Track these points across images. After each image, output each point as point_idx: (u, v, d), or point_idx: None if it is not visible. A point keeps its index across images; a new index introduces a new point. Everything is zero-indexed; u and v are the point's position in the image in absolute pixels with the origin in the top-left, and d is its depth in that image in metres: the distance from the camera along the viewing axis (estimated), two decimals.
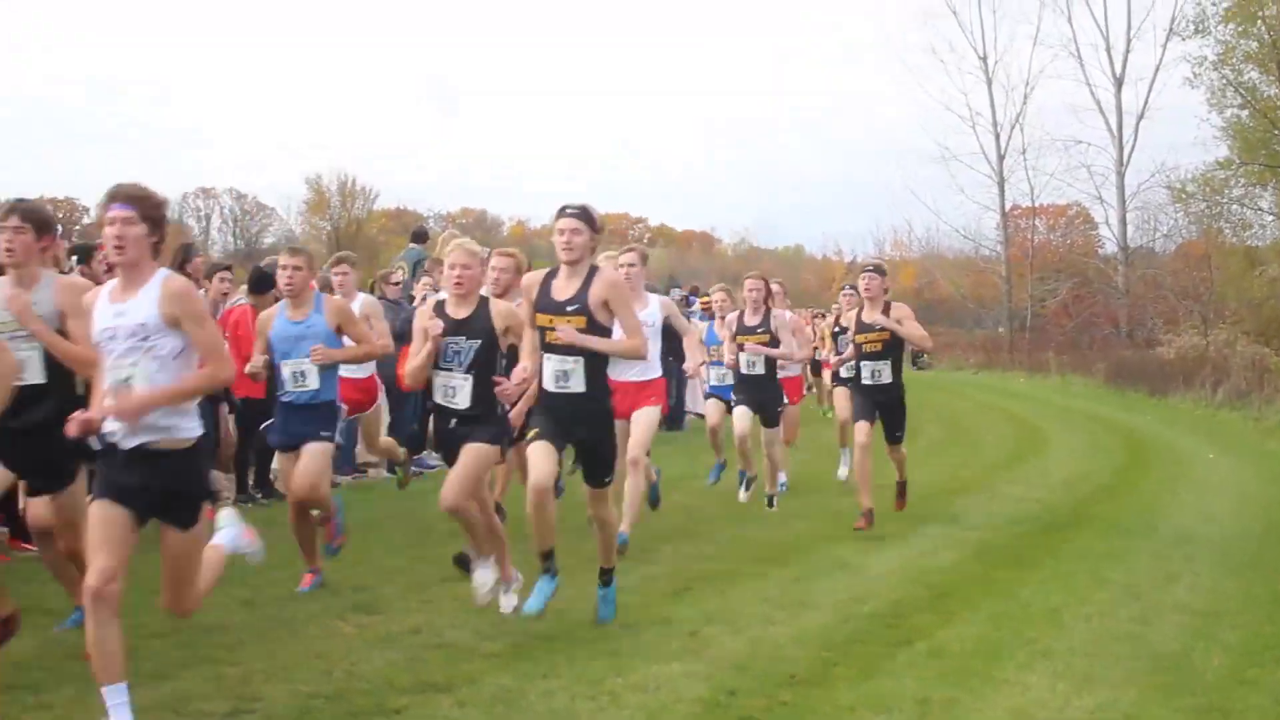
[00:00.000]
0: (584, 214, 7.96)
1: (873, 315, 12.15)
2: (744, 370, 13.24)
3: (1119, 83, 51.35)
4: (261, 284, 12.82)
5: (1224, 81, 39.52)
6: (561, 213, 7.98)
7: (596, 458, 8.35)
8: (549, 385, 8.02)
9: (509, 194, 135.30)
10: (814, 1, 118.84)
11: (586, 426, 8.14)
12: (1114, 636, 8.27)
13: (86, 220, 79.86)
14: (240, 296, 13.59)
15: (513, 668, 7.15)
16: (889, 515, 12.82)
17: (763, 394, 13.29)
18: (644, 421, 10.78)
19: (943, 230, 64.90)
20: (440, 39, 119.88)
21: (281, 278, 9.24)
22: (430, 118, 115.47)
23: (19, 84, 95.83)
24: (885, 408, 12.48)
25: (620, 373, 10.25)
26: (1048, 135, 55.66)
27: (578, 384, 7.96)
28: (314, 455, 9.05)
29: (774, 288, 14.14)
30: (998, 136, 55.74)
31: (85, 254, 11.41)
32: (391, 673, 7.01)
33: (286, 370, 9.14)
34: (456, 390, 8.26)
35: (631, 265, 10.89)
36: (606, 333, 8.02)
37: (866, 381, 12.38)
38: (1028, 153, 55.42)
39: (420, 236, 21.17)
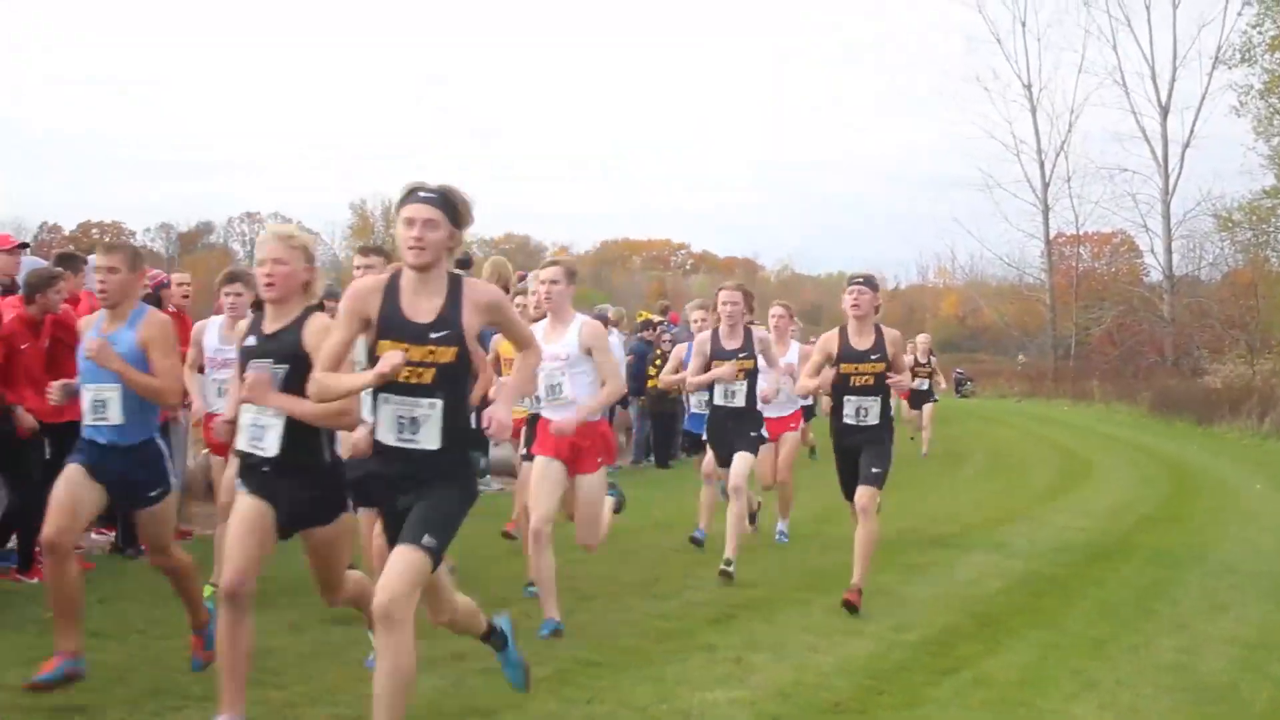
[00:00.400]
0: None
1: (865, 341, 9.88)
2: (719, 401, 11.16)
3: (1164, 111, 51.18)
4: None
5: (1270, 110, 39.37)
6: None
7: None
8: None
9: (551, 219, 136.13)
10: (857, 28, 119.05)
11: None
12: (1160, 667, 8.21)
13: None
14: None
15: (558, 693, 7.16)
16: (934, 543, 12.78)
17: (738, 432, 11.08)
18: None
19: (986, 258, 64.88)
20: (485, 68, 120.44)
21: (94, 281, 7.37)
22: (473, 143, 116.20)
23: (64, 112, 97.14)
24: (865, 444, 9.91)
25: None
26: (1092, 163, 55.67)
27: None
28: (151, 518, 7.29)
29: (774, 312, 13.31)
30: (1042, 164, 55.69)
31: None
32: (437, 698, 7.02)
33: (86, 396, 7.13)
34: (264, 432, 6.29)
35: (554, 282, 8.74)
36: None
37: (849, 420, 9.93)
38: (1072, 180, 55.37)
39: (465, 264, 21.19)
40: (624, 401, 19.62)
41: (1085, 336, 55.88)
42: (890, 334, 9.97)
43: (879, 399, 9.89)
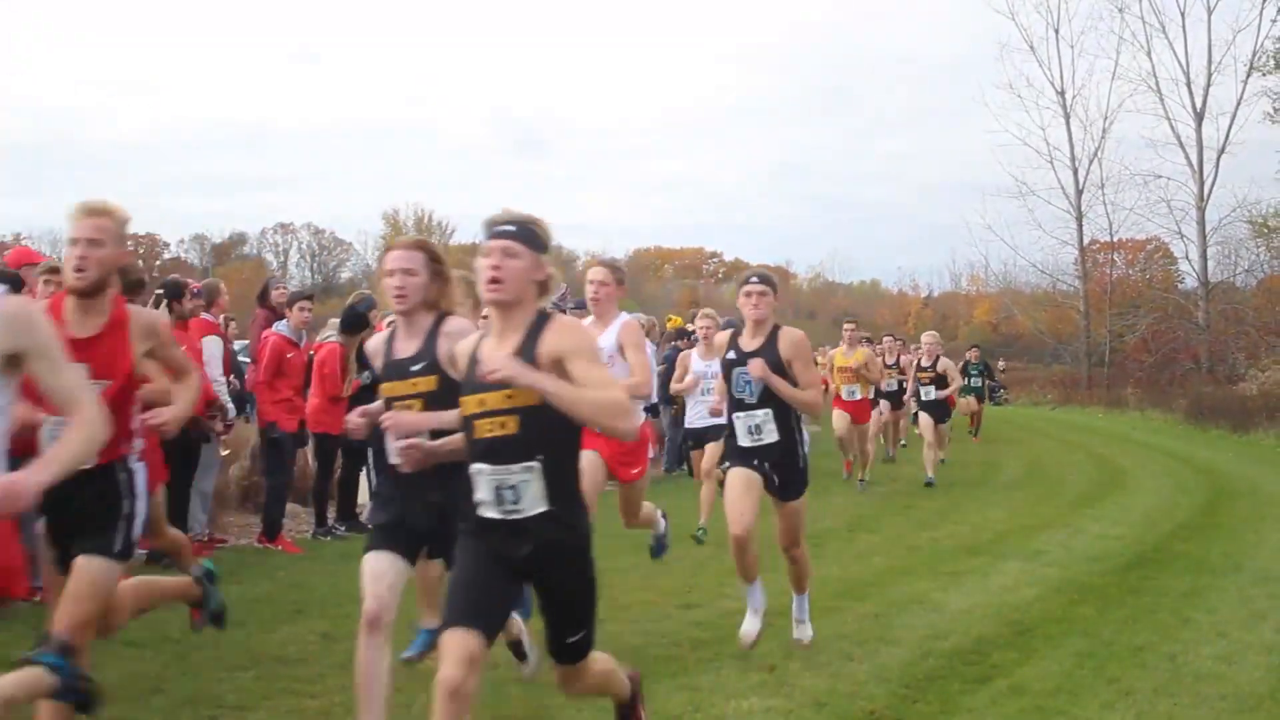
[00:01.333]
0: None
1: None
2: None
3: (1199, 117, 50.89)
4: (354, 323, 12.29)
5: None
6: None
7: None
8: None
9: (582, 230, 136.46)
10: (886, 38, 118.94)
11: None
12: (1198, 676, 8.17)
13: (167, 255, 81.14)
14: (330, 333, 13.61)
15: (591, 702, 7.12)
16: (969, 550, 12.75)
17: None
18: None
19: (1020, 265, 64.61)
20: (519, 78, 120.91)
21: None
22: (506, 152, 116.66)
23: (99, 125, 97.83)
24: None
25: None
26: (1126, 170, 55.30)
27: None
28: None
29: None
30: (1075, 171, 55.38)
31: (176, 291, 11.49)
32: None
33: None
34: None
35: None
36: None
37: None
38: (1106, 187, 55.05)
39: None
40: (654, 410, 19.65)
41: (1119, 344, 55.58)
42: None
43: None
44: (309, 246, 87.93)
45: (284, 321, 12.86)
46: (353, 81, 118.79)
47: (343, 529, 13.49)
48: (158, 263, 78.45)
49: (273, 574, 11.06)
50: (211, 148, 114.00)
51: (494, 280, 5.06)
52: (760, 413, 8.34)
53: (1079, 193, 55.31)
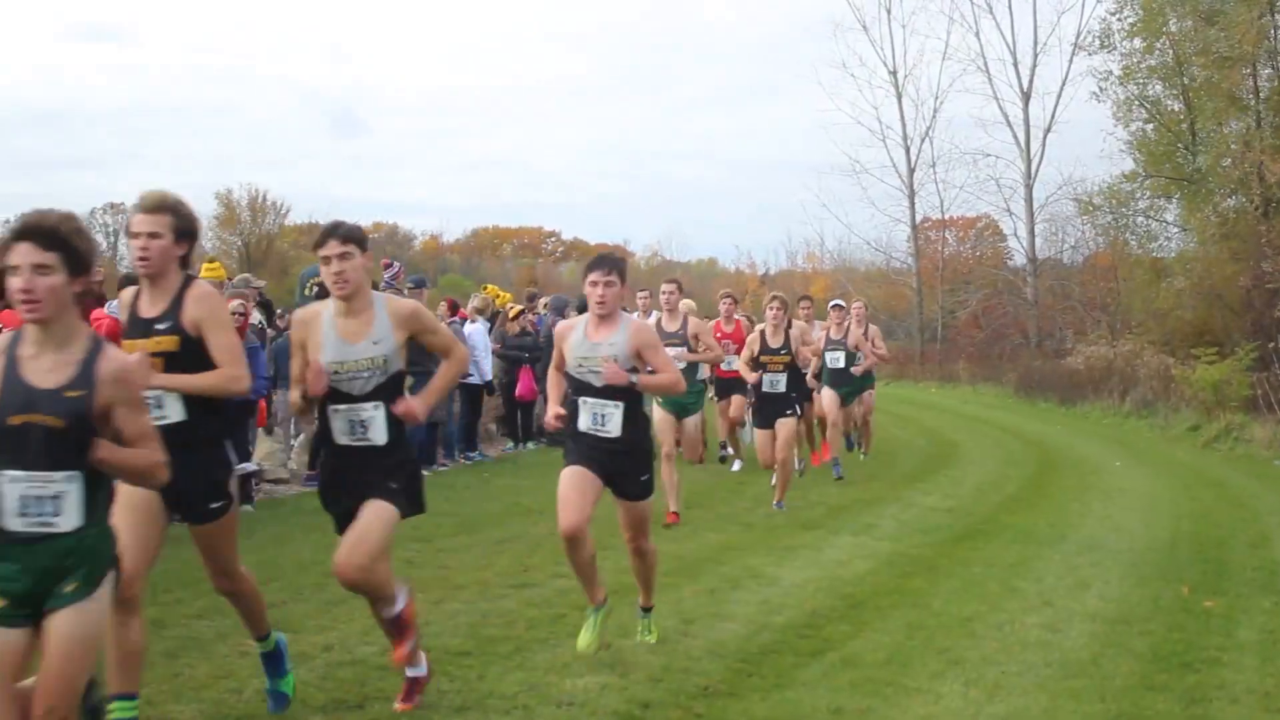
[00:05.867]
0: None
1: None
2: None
3: (1026, 97, 51.86)
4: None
5: (1129, 96, 40.13)
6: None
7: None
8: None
9: (419, 208, 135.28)
10: (724, 12, 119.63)
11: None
12: (1025, 644, 8.34)
13: None
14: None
15: (430, 684, 7.09)
16: (803, 525, 12.89)
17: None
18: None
19: (854, 242, 65.51)
20: (332, 55, 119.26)
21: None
22: (341, 132, 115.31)
23: None
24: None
25: None
26: (957, 149, 56.29)
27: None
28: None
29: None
30: (908, 150, 56.13)
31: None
32: (303, 691, 6.92)
33: None
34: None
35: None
36: None
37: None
38: (937, 166, 55.93)
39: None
40: (490, 389, 19.63)
41: (951, 319, 56.52)
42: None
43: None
44: None
45: (114, 303, 12.52)
46: (156, 58, 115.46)
47: None
48: None
49: None
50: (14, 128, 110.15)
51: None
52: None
53: (911, 171, 56.14)
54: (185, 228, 6.16)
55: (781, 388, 13.78)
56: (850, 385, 17.84)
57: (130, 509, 5.67)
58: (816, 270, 67.74)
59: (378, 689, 6.99)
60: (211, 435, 6.17)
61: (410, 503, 6.65)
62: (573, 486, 7.69)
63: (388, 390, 6.47)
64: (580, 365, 7.74)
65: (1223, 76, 34.75)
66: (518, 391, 20.30)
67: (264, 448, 16.14)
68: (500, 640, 8.19)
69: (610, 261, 7.86)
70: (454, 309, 19.91)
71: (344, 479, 6.58)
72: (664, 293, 14.00)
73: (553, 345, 8.16)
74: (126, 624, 5.77)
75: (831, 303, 19.00)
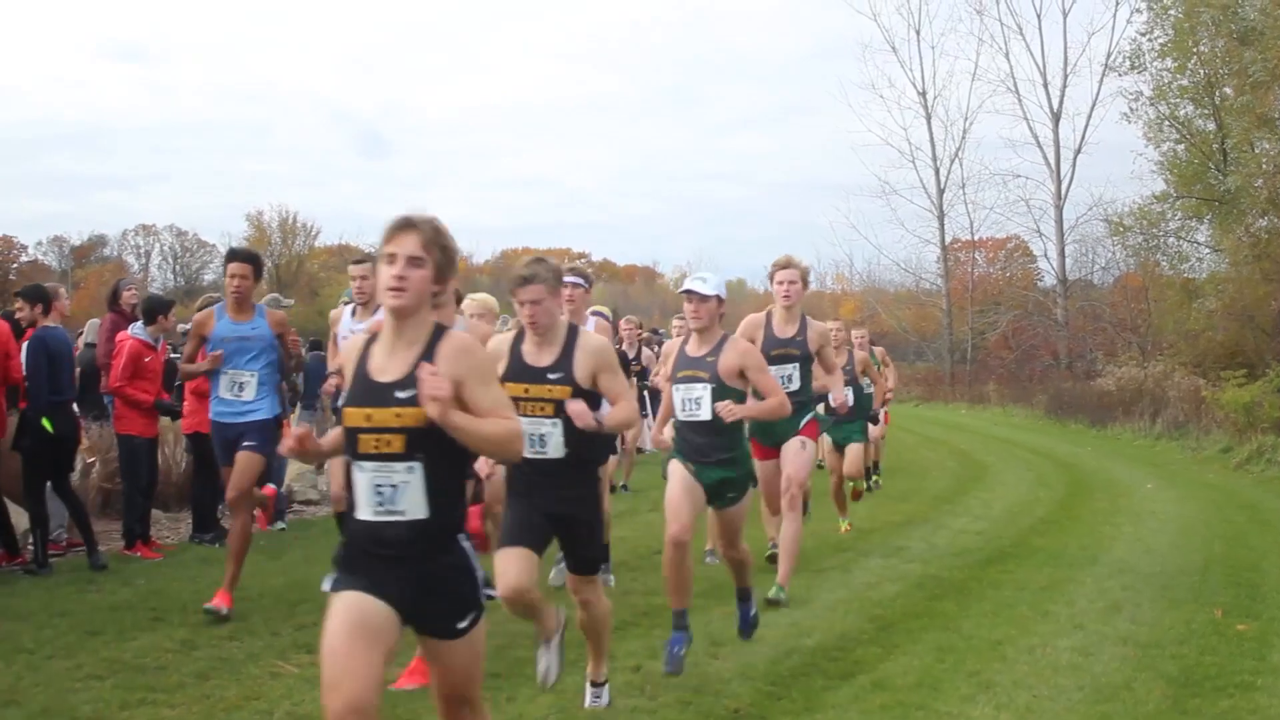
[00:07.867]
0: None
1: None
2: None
3: (1056, 117, 51.90)
4: (157, 309, 12.70)
5: (1160, 116, 39.98)
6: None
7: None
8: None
9: (449, 229, 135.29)
10: (755, 37, 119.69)
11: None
12: (1056, 668, 8.30)
13: (24, 258, 79.43)
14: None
15: None
16: (832, 547, 12.85)
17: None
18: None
19: (883, 264, 65.52)
20: (361, 76, 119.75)
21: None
22: (350, 151, 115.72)
23: None
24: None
25: None
26: (986, 169, 56.40)
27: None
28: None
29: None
30: (937, 171, 56.25)
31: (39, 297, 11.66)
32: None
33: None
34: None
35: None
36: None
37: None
38: (967, 187, 56.00)
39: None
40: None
41: (981, 341, 56.50)
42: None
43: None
44: (171, 248, 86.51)
45: (139, 324, 12.57)
46: (185, 79, 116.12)
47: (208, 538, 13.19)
48: (15, 265, 76.70)
49: (131, 581, 10.82)
50: (48, 146, 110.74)
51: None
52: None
53: (940, 192, 56.18)
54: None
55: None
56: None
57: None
58: (846, 291, 67.69)
59: (407, 713, 6.99)
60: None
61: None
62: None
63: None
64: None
65: (1257, 99, 34.55)
66: None
67: (294, 468, 16.20)
68: (530, 662, 8.14)
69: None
70: None
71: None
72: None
73: None
74: None
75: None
